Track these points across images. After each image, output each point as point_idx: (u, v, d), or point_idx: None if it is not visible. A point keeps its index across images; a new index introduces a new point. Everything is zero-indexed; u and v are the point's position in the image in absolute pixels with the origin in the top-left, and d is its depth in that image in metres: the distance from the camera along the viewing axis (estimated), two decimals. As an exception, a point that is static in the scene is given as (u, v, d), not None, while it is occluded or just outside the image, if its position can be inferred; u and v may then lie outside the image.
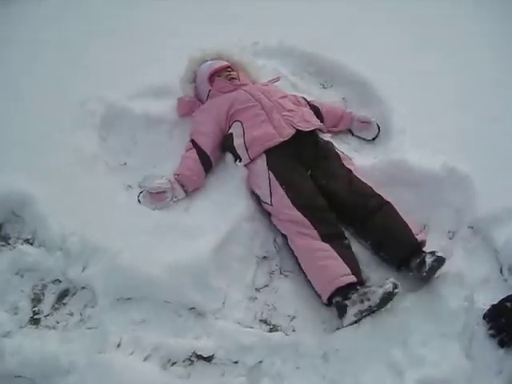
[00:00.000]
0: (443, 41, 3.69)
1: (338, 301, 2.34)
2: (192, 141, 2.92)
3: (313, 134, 2.85)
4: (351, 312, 2.28)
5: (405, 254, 2.48)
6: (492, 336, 2.35)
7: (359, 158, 2.93)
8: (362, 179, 2.70)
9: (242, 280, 2.52)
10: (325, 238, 2.46)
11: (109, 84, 3.24)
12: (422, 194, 2.77)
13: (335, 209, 2.63)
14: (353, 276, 2.34)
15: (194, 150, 2.87)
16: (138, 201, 2.75)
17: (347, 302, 2.30)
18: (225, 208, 2.67)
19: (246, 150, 2.77)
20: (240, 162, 2.80)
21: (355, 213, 2.61)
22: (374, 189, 2.65)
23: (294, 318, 2.45)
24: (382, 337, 2.31)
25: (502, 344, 2.32)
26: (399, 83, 3.33)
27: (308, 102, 3.19)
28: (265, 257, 2.62)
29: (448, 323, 2.34)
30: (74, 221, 2.55)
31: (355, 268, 2.41)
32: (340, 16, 4.01)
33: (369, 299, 2.28)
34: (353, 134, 3.25)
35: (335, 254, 2.41)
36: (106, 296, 2.37)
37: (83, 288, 2.44)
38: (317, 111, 3.15)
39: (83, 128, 2.99)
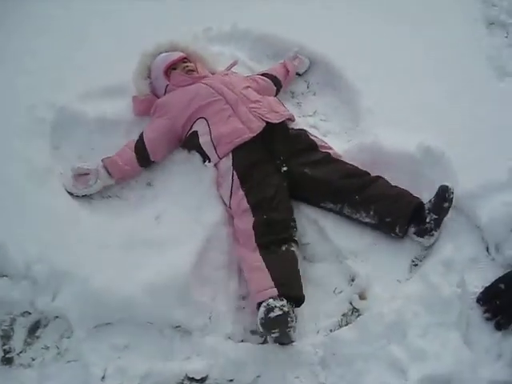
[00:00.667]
0: (412, 16, 3.54)
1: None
2: (140, 134, 2.77)
3: (283, 124, 2.72)
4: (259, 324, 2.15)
5: (413, 207, 2.47)
6: (488, 319, 2.33)
7: (331, 144, 2.79)
8: (345, 160, 2.64)
9: (225, 290, 2.39)
10: (261, 246, 2.35)
11: (57, 86, 2.97)
12: (400, 176, 2.67)
13: (326, 194, 2.56)
14: (275, 289, 2.19)
15: (135, 141, 2.74)
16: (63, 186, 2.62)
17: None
18: (198, 214, 2.53)
19: (214, 148, 2.61)
20: (209, 162, 2.65)
21: (351, 188, 2.53)
22: (359, 167, 2.61)
23: (286, 323, 2.32)
24: (378, 334, 2.23)
25: (498, 327, 2.29)
26: (363, 62, 3.19)
27: (265, 75, 3.11)
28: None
29: (443, 312, 2.27)
30: (35, 245, 2.35)
31: (284, 279, 2.25)
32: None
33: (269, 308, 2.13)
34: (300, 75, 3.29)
35: (262, 266, 2.29)
36: (82, 324, 2.23)
37: (56, 318, 2.28)
38: (274, 80, 3.10)
39: (32, 137, 2.74)
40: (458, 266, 2.41)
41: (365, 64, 3.18)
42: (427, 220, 2.44)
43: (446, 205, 2.43)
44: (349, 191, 2.53)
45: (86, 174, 2.62)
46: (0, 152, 2.67)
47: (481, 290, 2.38)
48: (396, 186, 2.56)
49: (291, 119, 2.82)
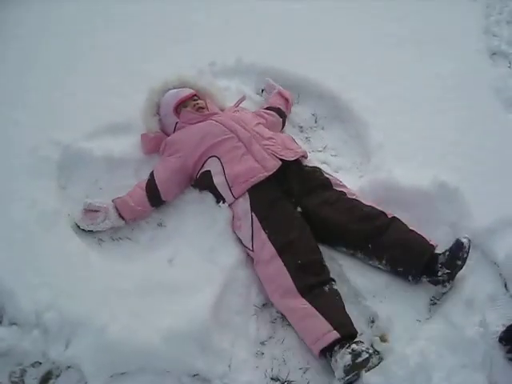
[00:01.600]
0: (415, 47, 3.55)
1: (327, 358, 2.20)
2: (151, 173, 2.69)
3: (297, 162, 2.68)
4: (339, 369, 2.11)
5: (425, 260, 2.40)
6: (511, 360, 2.26)
7: (344, 180, 2.75)
8: (360, 199, 2.58)
9: (244, 335, 2.32)
10: (304, 291, 2.30)
11: (61, 124, 2.91)
12: (414, 212, 2.66)
13: (340, 238, 2.53)
14: (335, 332, 2.16)
15: (146, 180, 2.67)
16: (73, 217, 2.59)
17: (333, 360, 2.15)
18: (213, 256, 2.46)
19: (229, 188, 2.55)
20: (223, 202, 2.58)
21: (364, 235, 2.48)
22: (375, 206, 2.55)
23: (306, 369, 2.26)
24: (403, 378, 2.16)
25: None
26: (369, 93, 3.20)
27: (270, 108, 3.08)
28: (264, 304, 2.41)
29: (467, 353, 2.24)
30: (45, 292, 2.26)
31: (338, 319, 2.23)
32: (297, 25, 3.80)
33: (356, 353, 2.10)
34: None
35: (314, 311, 2.24)
36: (96, 374, 2.13)
37: (68, 368, 2.17)
38: (279, 112, 3.08)
39: (38, 178, 2.67)
40: (479, 304, 2.38)
41: (371, 96, 3.18)
42: (439, 274, 2.38)
43: (459, 263, 2.37)
44: (361, 238, 2.48)
45: (96, 211, 2.56)
46: (6, 194, 2.61)
47: (502, 329, 2.34)
48: (411, 231, 2.49)
49: (304, 156, 2.77)
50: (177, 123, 2.87)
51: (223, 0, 4.03)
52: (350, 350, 2.09)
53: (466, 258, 2.37)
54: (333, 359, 2.14)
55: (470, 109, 3.16)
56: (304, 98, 3.27)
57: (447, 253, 2.38)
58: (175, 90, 2.95)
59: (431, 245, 2.44)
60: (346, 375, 2.08)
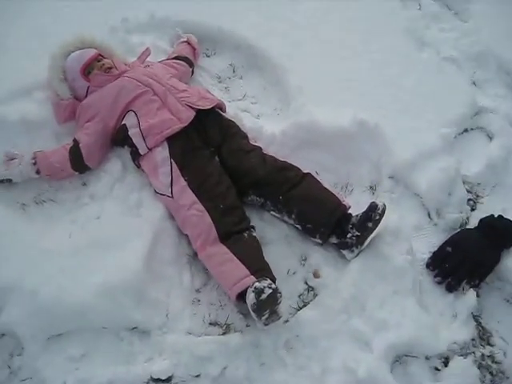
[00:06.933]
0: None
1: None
2: (73, 139, 2.61)
3: (214, 111, 2.65)
4: (250, 311, 2.12)
5: (336, 217, 2.37)
6: (439, 283, 2.39)
7: (266, 125, 2.77)
8: (275, 155, 2.56)
9: (179, 284, 2.32)
10: (223, 237, 2.30)
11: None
12: (337, 152, 2.71)
13: (251, 184, 2.48)
14: (251, 277, 2.16)
15: (70, 144, 2.59)
16: None
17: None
18: (140, 211, 2.44)
19: (143, 138, 2.50)
20: (138, 158, 2.56)
21: (276, 186, 2.45)
22: (289, 162, 2.53)
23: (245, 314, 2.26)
24: (338, 310, 2.24)
25: (450, 289, 2.36)
26: (285, 40, 3.18)
27: (178, 58, 3.01)
28: (196, 253, 2.38)
29: (397, 280, 2.32)
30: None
31: (256, 265, 2.23)
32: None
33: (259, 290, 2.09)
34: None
35: (232, 256, 2.24)
36: (32, 338, 2.10)
37: (3, 335, 2.14)
38: (187, 61, 3.02)
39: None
40: (405, 234, 2.46)
41: (287, 42, 3.17)
42: (348, 236, 2.36)
43: (371, 225, 2.31)
44: (273, 186, 2.45)
45: (13, 159, 2.51)
46: None
47: (429, 256, 2.45)
48: (325, 188, 2.45)
49: (222, 107, 2.74)
50: (88, 87, 2.75)
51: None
52: (252, 289, 2.09)
53: (379, 221, 2.31)
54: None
55: (384, 50, 3.19)
56: (221, 49, 3.22)
57: (360, 214, 2.36)
58: (78, 52, 2.80)
59: (344, 204, 2.41)
60: (257, 315, 2.08)
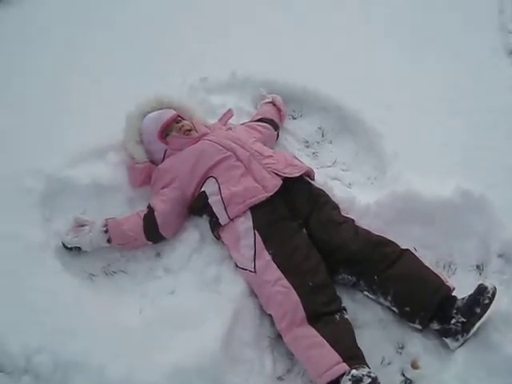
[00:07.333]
0: (426, 47, 3.59)
1: None
2: (148, 205, 2.67)
3: (302, 180, 2.66)
4: None
5: (438, 300, 2.29)
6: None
7: (359, 195, 2.76)
8: (369, 229, 2.52)
9: (259, 370, 2.28)
10: (311, 318, 2.25)
11: (42, 152, 2.89)
12: (438, 226, 2.65)
13: (343, 261, 2.45)
14: (344, 364, 2.11)
15: (144, 211, 2.64)
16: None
17: None
18: (218, 285, 2.45)
19: (225, 207, 2.53)
20: (217, 229, 2.57)
21: (371, 264, 2.41)
22: (385, 237, 2.48)
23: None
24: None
25: None
26: (378, 101, 3.20)
27: (262, 120, 3.06)
28: (279, 335, 2.34)
29: (509, 374, 2.19)
30: (35, 334, 2.24)
31: (347, 350, 2.18)
32: (293, 35, 3.81)
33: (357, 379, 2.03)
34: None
35: (321, 340, 2.19)
36: (96, 419, 2.11)
37: (66, 416, 2.16)
38: (272, 123, 3.07)
39: (21, 211, 2.64)
40: (516, 320, 2.37)
41: (380, 104, 3.18)
42: (452, 322, 2.26)
43: (479, 310, 2.21)
44: (367, 264, 2.40)
45: (84, 226, 2.59)
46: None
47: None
48: (426, 267, 2.38)
49: (310, 174, 2.75)
50: (166, 150, 2.82)
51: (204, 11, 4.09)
52: (349, 377, 2.04)
53: (488, 306, 2.21)
54: None
55: (488, 110, 3.16)
56: (308, 111, 3.28)
57: (467, 298, 2.27)
58: (155, 113, 2.90)
59: (447, 285, 2.33)
60: None
